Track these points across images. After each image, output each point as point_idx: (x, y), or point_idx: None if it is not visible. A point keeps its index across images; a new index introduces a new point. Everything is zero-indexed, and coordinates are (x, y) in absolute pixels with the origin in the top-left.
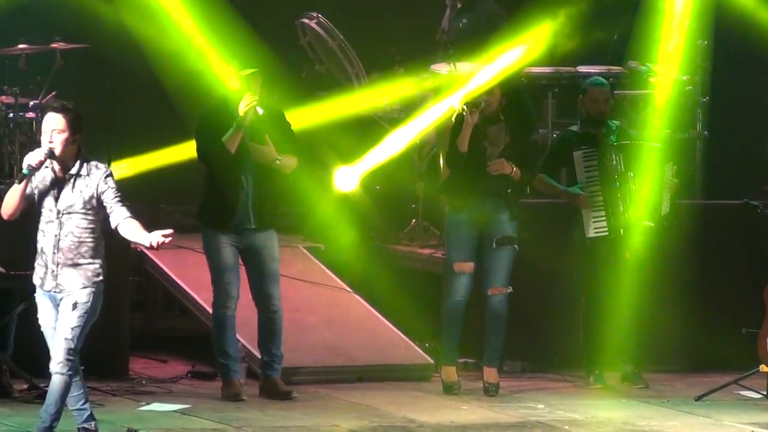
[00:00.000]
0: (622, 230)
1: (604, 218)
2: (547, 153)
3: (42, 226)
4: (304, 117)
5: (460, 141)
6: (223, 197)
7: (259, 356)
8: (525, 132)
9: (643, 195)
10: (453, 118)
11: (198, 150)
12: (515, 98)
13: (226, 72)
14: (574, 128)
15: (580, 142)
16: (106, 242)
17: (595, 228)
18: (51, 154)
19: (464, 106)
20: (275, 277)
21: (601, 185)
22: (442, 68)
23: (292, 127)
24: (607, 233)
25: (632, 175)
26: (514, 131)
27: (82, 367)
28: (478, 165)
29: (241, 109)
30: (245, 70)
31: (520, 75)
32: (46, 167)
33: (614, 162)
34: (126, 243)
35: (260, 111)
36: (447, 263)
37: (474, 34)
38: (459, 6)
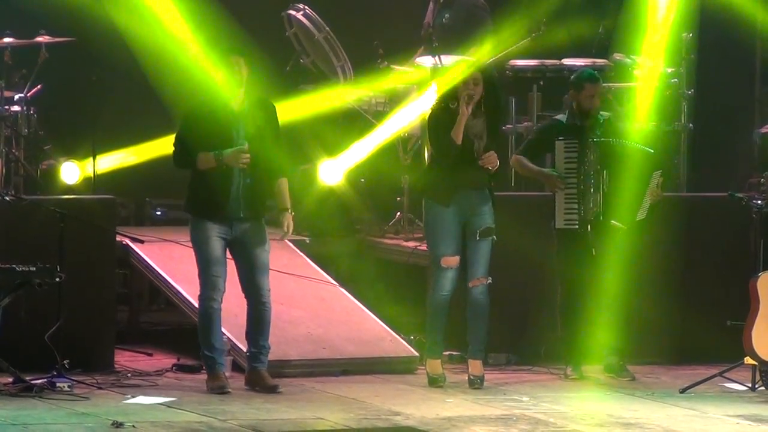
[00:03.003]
0: (589, 227)
1: (576, 211)
2: (531, 138)
3: None
4: (289, 110)
5: (455, 133)
6: (213, 187)
7: (245, 349)
8: (500, 123)
9: (620, 196)
10: (431, 109)
11: (173, 153)
12: (492, 90)
13: (210, 61)
14: (561, 117)
15: (565, 132)
16: (91, 235)
17: (565, 219)
18: None
19: (462, 98)
20: (265, 267)
21: (577, 178)
22: (426, 61)
23: (280, 136)
24: (576, 227)
25: (609, 173)
26: (491, 123)
27: (67, 360)
28: (463, 158)
29: (231, 161)
30: (232, 56)
31: (493, 66)
32: None
33: (594, 158)
34: (111, 236)
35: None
36: (432, 257)
37: (457, 28)
38: (441, 1)
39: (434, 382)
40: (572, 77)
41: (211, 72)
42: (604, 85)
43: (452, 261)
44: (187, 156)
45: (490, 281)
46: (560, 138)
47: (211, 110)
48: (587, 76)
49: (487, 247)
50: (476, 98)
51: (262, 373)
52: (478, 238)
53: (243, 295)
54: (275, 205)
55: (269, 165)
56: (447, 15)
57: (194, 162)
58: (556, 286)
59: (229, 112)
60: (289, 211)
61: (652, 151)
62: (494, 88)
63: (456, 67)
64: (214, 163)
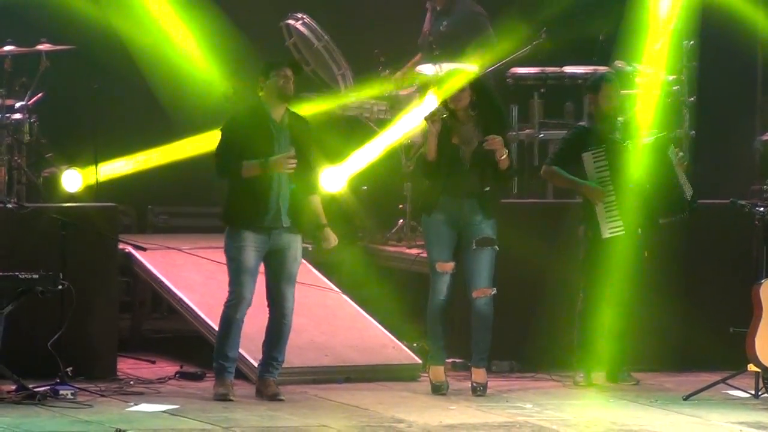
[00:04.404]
0: (639, 230)
1: (619, 218)
2: (561, 147)
3: None
4: None
5: (428, 150)
6: (253, 196)
7: (249, 357)
8: (500, 127)
9: (661, 191)
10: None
11: (216, 162)
12: (484, 95)
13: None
14: (583, 124)
15: (592, 138)
16: (93, 242)
17: (610, 228)
18: None
19: (425, 118)
20: (292, 279)
21: (613, 185)
22: (427, 69)
23: (314, 154)
24: (622, 232)
25: (641, 173)
26: (487, 128)
27: (70, 368)
28: (451, 166)
29: (277, 166)
30: (284, 68)
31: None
32: None
33: (624, 161)
34: (113, 243)
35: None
36: (429, 264)
37: (455, 36)
38: (438, 9)
39: (437, 390)
40: (588, 82)
41: (206, 76)
42: None
43: (446, 266)
44: (231, 165)
45: (494, 292)
46: (586, 149)
47: (254, 122)
48: (605, 77)
49: (488, 257)
50: (464, 104)
51: (267, 381)
52: (474, 247)
53: (254, 304)
54: (310, 223)
55: (303, 181)
56: (445, 22)
57: (239, 171)
58: (564, 294)
59: (271, 125)
60: (327, 226)
61: (652, 139)
62: (486, 93)
63: (448, 76)
64: (259, 171)
